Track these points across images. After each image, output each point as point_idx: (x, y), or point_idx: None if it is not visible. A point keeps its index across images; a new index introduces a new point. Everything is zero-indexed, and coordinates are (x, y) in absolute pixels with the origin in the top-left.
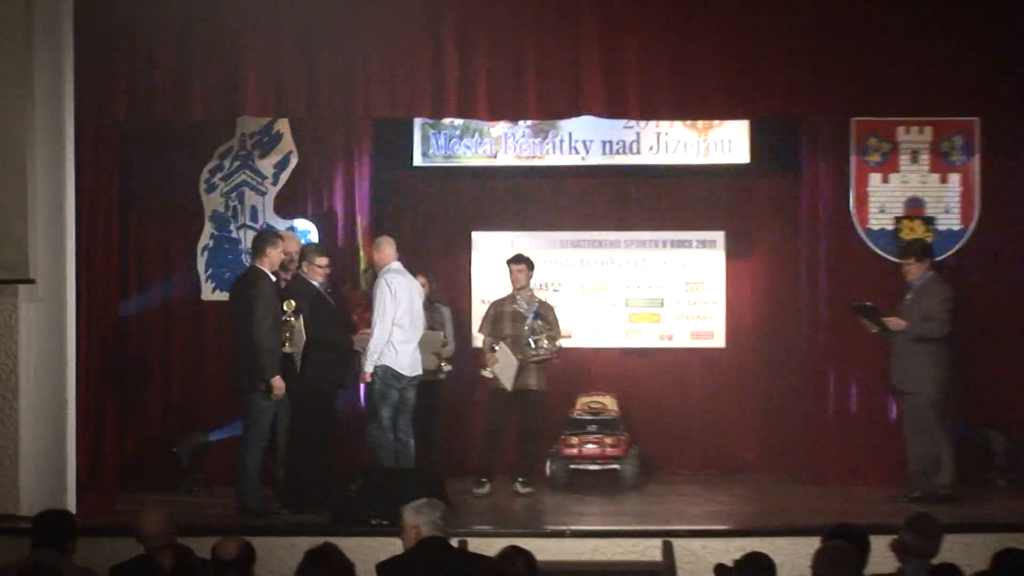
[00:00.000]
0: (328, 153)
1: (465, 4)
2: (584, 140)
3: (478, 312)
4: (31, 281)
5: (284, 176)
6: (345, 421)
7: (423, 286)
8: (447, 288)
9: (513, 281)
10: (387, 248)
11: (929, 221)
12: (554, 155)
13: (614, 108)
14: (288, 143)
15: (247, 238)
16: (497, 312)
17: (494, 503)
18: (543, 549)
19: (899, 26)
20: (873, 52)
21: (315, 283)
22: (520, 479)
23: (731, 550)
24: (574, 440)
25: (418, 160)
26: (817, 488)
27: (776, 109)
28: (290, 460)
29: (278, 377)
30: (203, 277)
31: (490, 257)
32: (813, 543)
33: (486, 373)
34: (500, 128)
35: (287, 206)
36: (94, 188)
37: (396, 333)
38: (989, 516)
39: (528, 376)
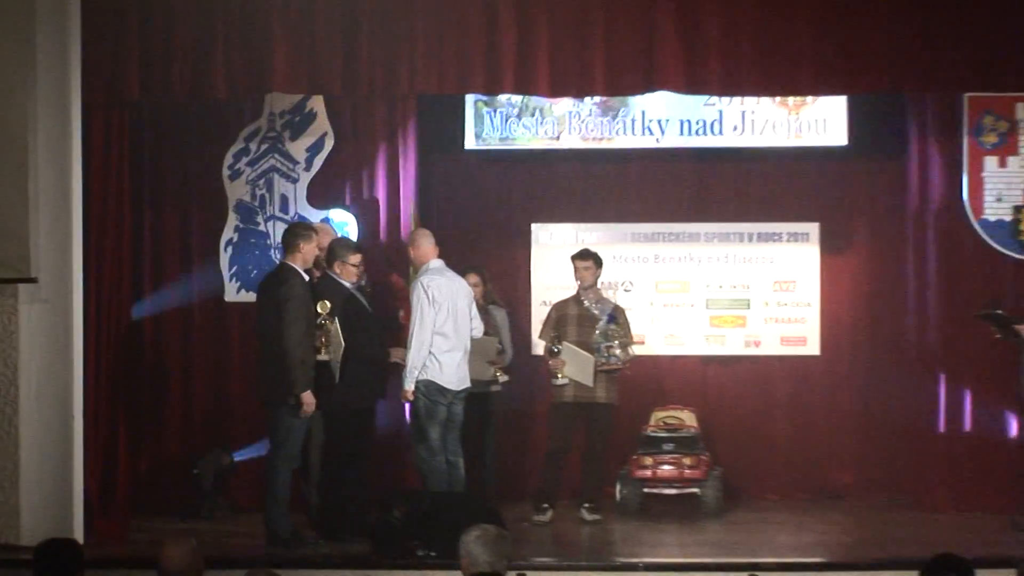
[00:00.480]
0: (368, 135)
1: None
2: (659, 119)
3: (538, 315)
4: (33, 280)
5: (318, 161)
6: (387, 437)
7: (475, 286)
8: (503, 288)
9: (578, 280)
10: (425, 243)
11: None
12: (624, 136)
13: (693, 83)
14: (323, 123)
15: (276, 231)
16: (560, 315)
17: (556, 532)
18: None
19: None
20: (989, 18)
21: (347, 284)
22: (586, 504)
23: None
24: (648, 460)
25: (470, 143)
26: (924, 515)
27: (878, 84)
28: (325, 482)
29: (309, 392)
30: (227, 276)
31: (552, 252)
32: None
33: (559, 381)
34: (563, 106)
35: (322, 195)
36: (104, 176)
37: (438, 342)
38: None
39: (596, 387)
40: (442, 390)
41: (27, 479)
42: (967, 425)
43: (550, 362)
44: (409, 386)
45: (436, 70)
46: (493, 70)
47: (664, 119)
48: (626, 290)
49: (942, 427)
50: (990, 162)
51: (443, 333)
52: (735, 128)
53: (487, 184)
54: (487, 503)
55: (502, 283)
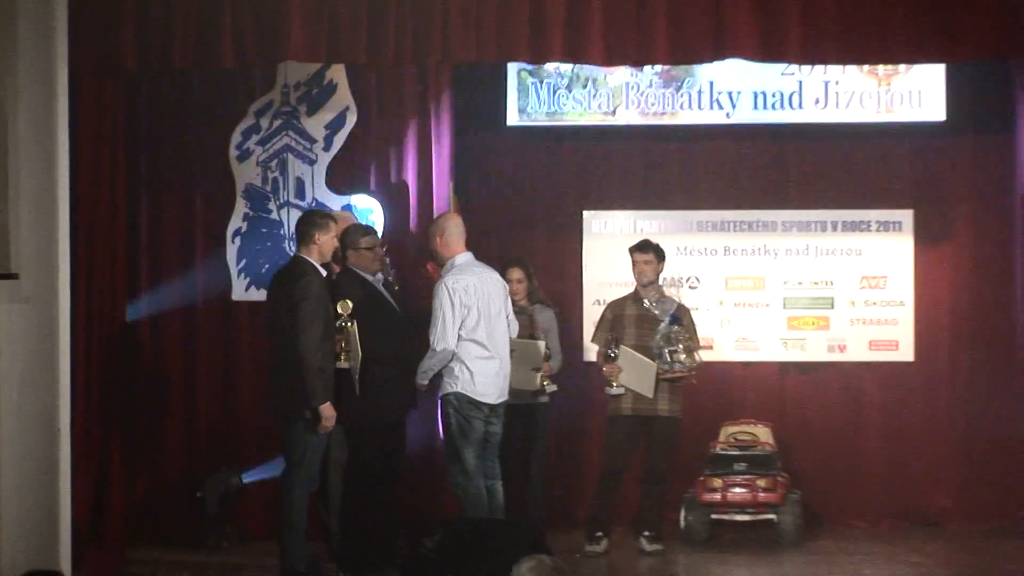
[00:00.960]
0: (396, 110)
1: None
2: (729, 92)
3: (591, 316)
4: (13, 276)
5: (339, 139)
6: (419, 455)
7: (518, 283)
8: (550, 285)
9: (637, 275)
10: (454, 233)
11: None
12: (690, 111)
13: (768, 49)
14: (344, 96)
15: (291, 220)
16: (616, 315)
17: (612, 564)
18: None
19: None
20: None
21: (367, 277)
22: (646, 533)
23: None
24: (717, 482)
25: (513, 119)
26: None
27: (981, 50)
28: (346, 508)
29: (328, 405)
30: (234, 271)
31: (607, 244)
32: None
33: (613, 390)
34: (620, 76)
35: (343, 178)
36: (95, 158)
37: (469, 349)
38: None
39: (658, 399)
40: (476, 404)
41: (7, 502)
42: None
43: (605, 368)
44: (422, 381)
45: (474, 35)
46: (539, 35)
47: (735, 91)
48: (692, 287)
49: None
50: None
51: (476, 339)
52: (817, 101)
53: (532, 166)
54: (533, 531)
55: (549, 279)
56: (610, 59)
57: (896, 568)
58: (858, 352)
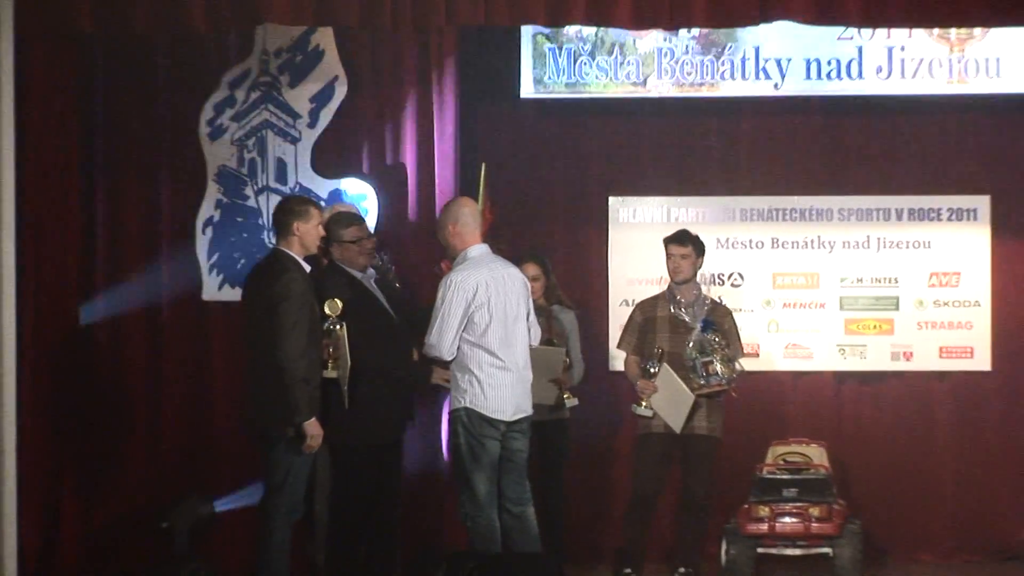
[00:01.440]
0: (393, 80)
1: None
2: (777, 59)
3: (618, 318)
4: None
5: (326, 115)
6: (420, 479)
7: (534, 280)
8: (571, 283)
9: (672, 271)
10: (469, 221)
11: None
12: (732, 82)
13: (823, 10)
14: (333, 65)
15: (270, 208)
16: (647, 318)
17: None
18: None
19: None
20: None
21: (355, 274)
22: (681, 570)
23: None
24: (763, 511)
25: (528, 90)
26: None
27: None
28: (334, 539)
29: (314, 421)
30: (205, 266)
31: (636, 235)
32: None
33: (640, 410)
34: (651, 42)
35: (331, 159)
36: (43, 135)
37: (478, 357)
38: None
39: (694, 416)
40: (490, 421)
41: None
42: None
43: (639, 384)
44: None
45: None
46: None
47: (785, 59)
48: (734, 285)
49: None
50: None
51: (485, 346)
52: (879, 71)
53: (550, 144)
54: (552, 567)
55: (570, 276)
56: (640, 21)
57: None
58: (927, 360)
